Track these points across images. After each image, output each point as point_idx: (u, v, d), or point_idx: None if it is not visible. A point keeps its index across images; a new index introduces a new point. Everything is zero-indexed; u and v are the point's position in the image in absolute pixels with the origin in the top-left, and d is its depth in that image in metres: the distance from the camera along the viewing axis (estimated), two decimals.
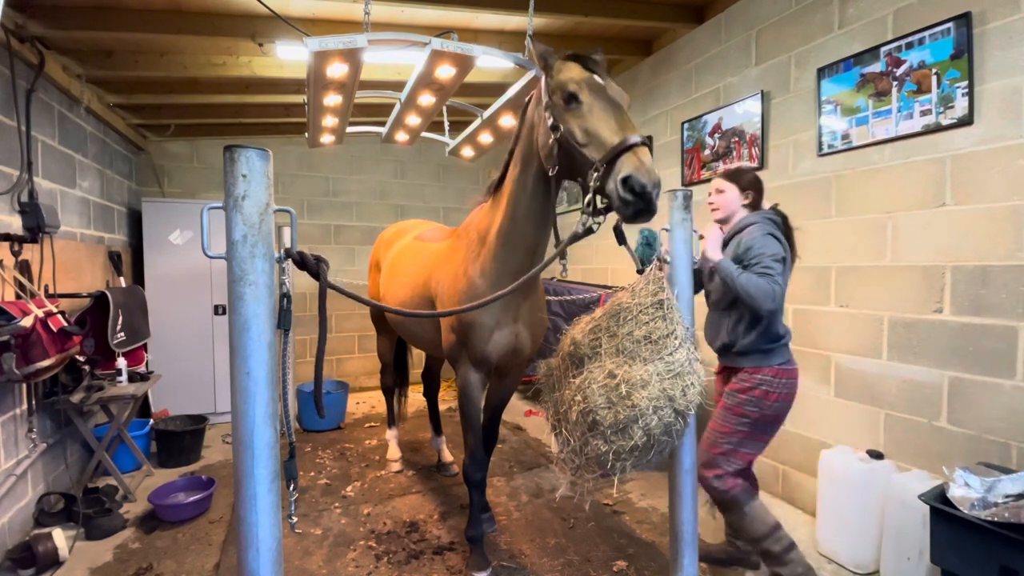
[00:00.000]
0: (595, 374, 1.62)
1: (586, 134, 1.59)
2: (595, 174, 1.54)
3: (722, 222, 2.30)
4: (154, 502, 2.87)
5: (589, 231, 1.59)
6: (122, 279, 3.99)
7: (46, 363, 2.41)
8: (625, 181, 1.46)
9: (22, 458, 2.63)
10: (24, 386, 2.67)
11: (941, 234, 2.33)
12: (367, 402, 5.29)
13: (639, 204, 1.47)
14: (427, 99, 2.68)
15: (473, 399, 2.32)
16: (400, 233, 3.39)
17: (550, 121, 1.68)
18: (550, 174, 1.81)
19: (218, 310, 4.47)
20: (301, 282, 5.13)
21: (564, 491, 3.01)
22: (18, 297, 2.52)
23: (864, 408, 2.63)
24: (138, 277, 4.36)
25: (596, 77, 1.65)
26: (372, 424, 4.58)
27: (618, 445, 1.53)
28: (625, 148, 1.48)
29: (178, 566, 2.47)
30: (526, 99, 2.03)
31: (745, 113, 3.24)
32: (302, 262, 1.19)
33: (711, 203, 2.31)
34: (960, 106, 2.24)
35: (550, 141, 1.71)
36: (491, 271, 2.14)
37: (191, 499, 2.92)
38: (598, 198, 1.58)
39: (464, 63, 2.28)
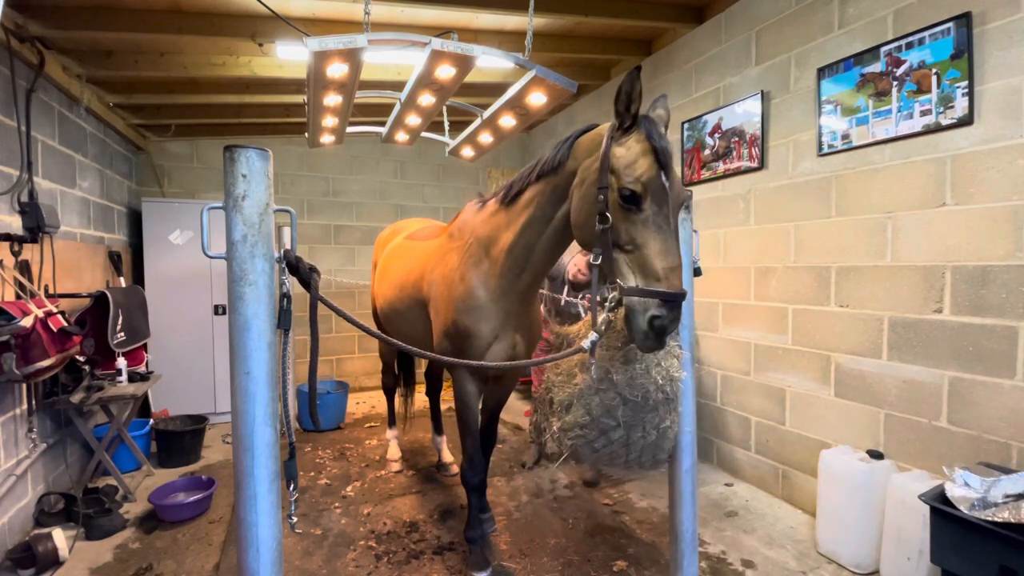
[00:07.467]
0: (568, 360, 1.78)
1: (633, 247, 1.46)
2: (614, 294, 1.47)
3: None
4: (154, 502, 2.87)
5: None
6: (122, 279, 3.99)
7: (46, 363, 2.41)
8: (652, 320, 1.39)
9: (22, 458, 2.63)
10: (24, 386, 2.67)
11: (941, 234, 2.33)
12: (367, 402, 5.29)
13: (655, 342, 1.43)
14: (427, 99, 2.68)
15: (470, 405, 2.30)
16: (395, 232, 3.37)
17: (600, 203, 1.50)
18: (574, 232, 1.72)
19: (218, 310, 4.47)
20: None
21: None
22: (18, 297, 2.52)
23: (864, 408, 2.63)
24: (138, 277, 4.36)
25: (663, 178, 1.45)
26: (372, 424, 4.58)
27: (563, 420, 1.69)
28: (662, 297, 1.39)
29: (178, 566, 2.47)
30: (574, 136, 1.75)
31: (745, 113, 3.24)
32: (295, 267, 1.16)
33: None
34: (960, 106, 2.24)
35: (593, 223, 1.54)
36: (496, 287, 2.09)
37: (191, 499, 2.92)
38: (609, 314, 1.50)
39: (464, 63, 2.28)
